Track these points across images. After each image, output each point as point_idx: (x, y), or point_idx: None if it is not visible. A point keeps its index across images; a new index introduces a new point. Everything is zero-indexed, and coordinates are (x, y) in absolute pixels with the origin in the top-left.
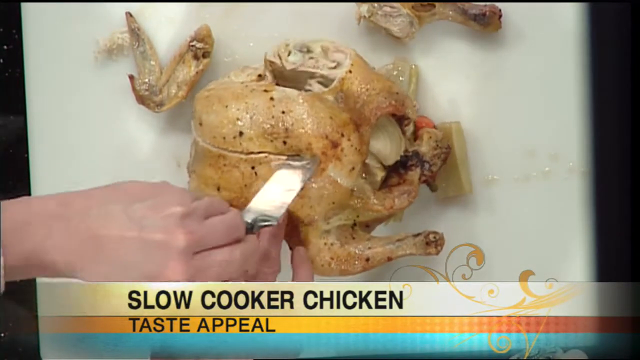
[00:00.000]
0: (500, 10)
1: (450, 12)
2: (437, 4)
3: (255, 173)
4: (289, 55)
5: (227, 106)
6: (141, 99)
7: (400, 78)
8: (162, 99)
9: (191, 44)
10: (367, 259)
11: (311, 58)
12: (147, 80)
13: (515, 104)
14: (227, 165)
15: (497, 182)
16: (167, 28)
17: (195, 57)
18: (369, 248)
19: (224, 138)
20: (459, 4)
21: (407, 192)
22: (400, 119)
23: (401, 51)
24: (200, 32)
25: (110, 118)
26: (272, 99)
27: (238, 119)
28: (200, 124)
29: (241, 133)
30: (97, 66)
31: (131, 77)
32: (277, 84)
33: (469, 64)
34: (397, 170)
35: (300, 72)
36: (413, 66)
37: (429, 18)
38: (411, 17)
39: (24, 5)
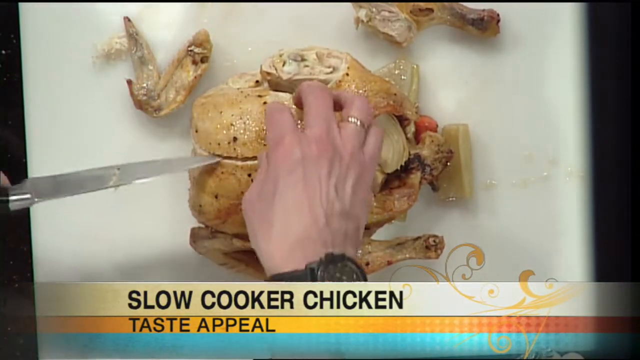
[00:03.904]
0: (498, 15)
1: (449, 17)
2: (435, 9)
3: (252, 180)
4: (283, 65)
5: (221, 112)
6: (139, 104)
7: (402, 77)
8: (160, 104)
9: (189, 48)
10: (367, 264)
11: (306, 66)
12: (145, 85)
13: (514, 109)
14: (224, 172)
15: (496, 186)
16: (165, 33)
17: (194, 62)
18: (369, 252)
19: (219, 144)
20: (457, 9)
21: (407, 195)
22: (399, 120)
23: (399, 56)
24: (199, 37)
25: (108, 123)
26: (265, 103)
27: (232, 125)
28: (197, 131)
29: (235, 139)
30: (95, 71)
31: (129, 82)
32: (275, 91)
33: (467, 69)
34: (397, 173)
35: (297, 81)
36: (415, 66)
37: (427, 23)
38: (409, 21)
39: (22, 9)
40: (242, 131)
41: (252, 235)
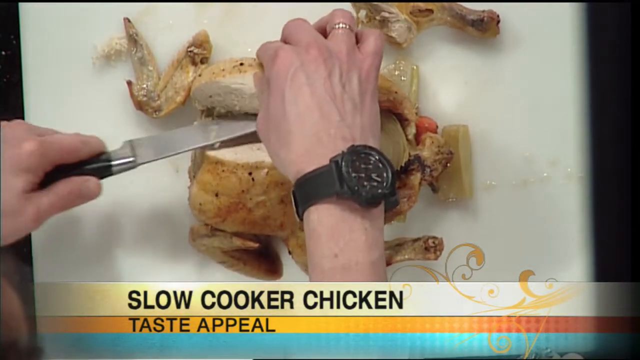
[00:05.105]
0: (498, 16)
1: (449, 18)
2: (435, 10)
3: (253, 179)
4: None
5: (232, 58)
6: (139, 105)
7: (402, 78)
8: (160, 105)
9: (189, 49)
10: None
11: None
12: (145, 85)
13: (514, 109)
14: (225, 171)
15: (496, 187)
16: (166, 34)
17: (193, 63)
18: None
19: (223, 69)
20: (457, 10)
21: (407, 197)
22: (400, 121)
23: (399, 57)
24: (198, 38)
25: (109, 123)
26: None
27: (241, 59)
28: (200, 75)
29: (242, 64)
30: (95, 72)
31: (129, 83)
32: None
33: (467, 70)
34: (397, 174)
35: None
36: (414, 67)
37: (427, 24)
38: (409, 22)
39: (22, 10)
40: (251, 61)
41: (273, 153)
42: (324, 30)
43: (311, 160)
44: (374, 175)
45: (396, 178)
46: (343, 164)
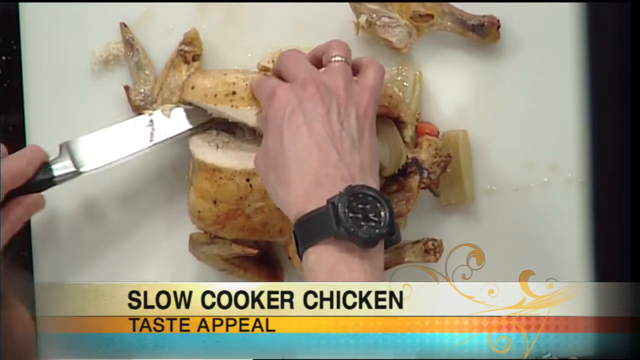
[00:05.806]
0: (498, 21)
1: (449, 23)
2: (435, 15)
3: (250, 185)
4: None
5: (226, 74)
6: (137, 109)
7: (405, 84)
8: (157, 108)
9: (180, 48)
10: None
11: None
12: (142, 90)
13: (514, 115)
14: (223, 178)
15: (497, 192)
16: (166, 38)
17: (185, 62)
18: None
19: (216, 95)
20: (457, 15)
21: (406, 199)
22: (396, 122)
23: (402, 62)
24: (188, 35)
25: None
26: None
27: (234, 83)
28: (193, 87)
29: (234, 92)
30: (93, 76)
31: (126, 88)
32: None
33: (467, 75)
34: (396, 177)
35: None
36: (417, 72)
37: (428, 29)
38: (410, 27)
39: (22, 15)
40: (242, 90)
41: (273, 192)
42: (319, 61)
43: (310, 201)
44: (371, 215)
45: (394, 214)
46: (339, 205)
